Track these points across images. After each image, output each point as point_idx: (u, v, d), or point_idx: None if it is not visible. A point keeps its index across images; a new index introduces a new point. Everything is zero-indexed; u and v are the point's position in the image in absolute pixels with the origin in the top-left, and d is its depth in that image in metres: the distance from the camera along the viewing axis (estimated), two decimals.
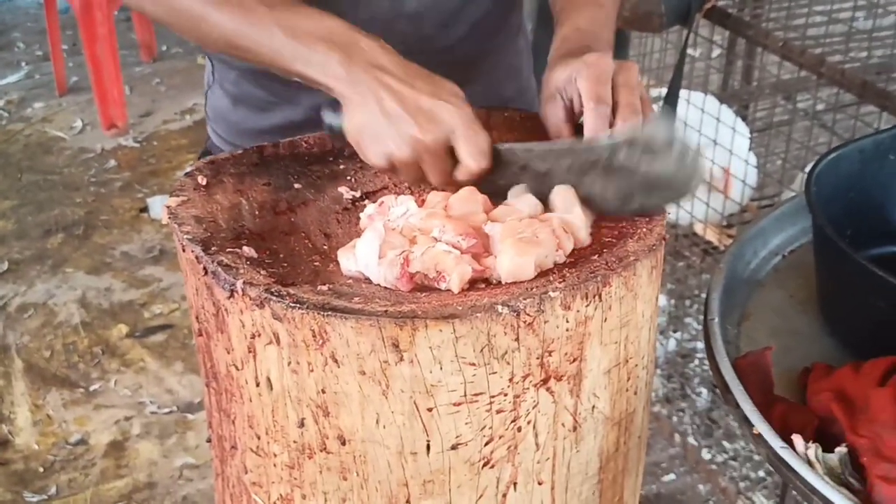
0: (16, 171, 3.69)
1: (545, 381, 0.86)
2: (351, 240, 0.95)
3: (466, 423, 0.86)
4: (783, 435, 0.94)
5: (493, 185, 0.98)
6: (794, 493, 1.17)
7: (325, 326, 0.81)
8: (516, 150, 0.98)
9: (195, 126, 3.98)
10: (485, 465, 0.88)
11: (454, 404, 0.84)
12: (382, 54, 0.94)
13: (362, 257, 0.91)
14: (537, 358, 0.85)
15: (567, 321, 0.85)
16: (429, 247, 0.90)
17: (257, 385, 0.89)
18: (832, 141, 2.25)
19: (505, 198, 0.99)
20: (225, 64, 1.27)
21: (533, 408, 0.87)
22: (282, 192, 1.04)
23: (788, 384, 1.07)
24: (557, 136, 1.02)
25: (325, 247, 0.98)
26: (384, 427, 0.85)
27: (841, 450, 0.94)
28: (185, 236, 0.92)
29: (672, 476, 2.25)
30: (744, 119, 2.55)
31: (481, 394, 0.85)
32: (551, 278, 0.87)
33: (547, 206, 0.97)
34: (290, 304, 0.82)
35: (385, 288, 0.90)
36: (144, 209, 3.40)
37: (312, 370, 0.84)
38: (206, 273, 0.88)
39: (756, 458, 2.22)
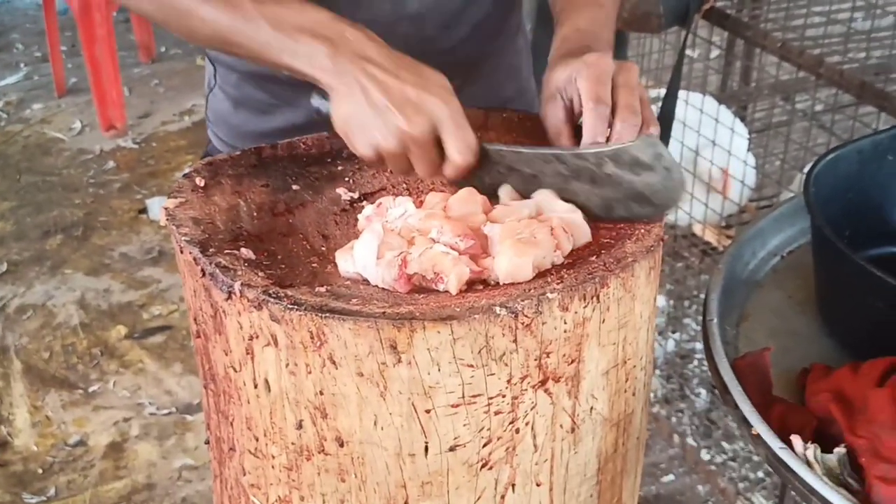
0: (14, 172, 3.69)
1: (543, 382, 0.86)
2: (349, 241, 0.95)
3: (464, 425, 0.85)
4: (782, 435, 0.94)
5: (481, 182, 0.99)
6: (792, 493, 1.17)
7: (323, 328, 0.81)
8: (504, 152, 0.98)
9: (194, 127, 3.98)
10: (483, 466, 0.88)
11: (452, 406, 0.84)
12: (369, 45, 0.94)
13: (360, 259, 0.91)
14: (535, 359, 0.85)
15: (565, 322, 0.85)
16: (427, 248, 0.90)
17: (255, 387, 0.89)
18: (831, 141, 2.25)
19: (493, 195, 0.99)
20: (226, 67, 1.27)
21: (531, 409, 0.87)
22: (280, 193, 1.04)
23: (787, 385, 1.07)
24: (557, 136, 1.02)
25: (324, 248, 0.98)
26: (382, 429, 0.85)
27: (840, 450, 0.94)
28: (183, 238, 0.92)
29: (671, 477, 2.25)
30: (742, 120, 2.55)
31: (479, 395, 0.84)
32: (549, 279, 0.87)
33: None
34: (288, 306, 0.82)
35: (383, 289, 0.89)
36: (143, 210, 3.40)
37: (310, 372, 0.84)
38: (203, 275, 0.88)
39: (755, 458, 2.22)
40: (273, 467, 0.93)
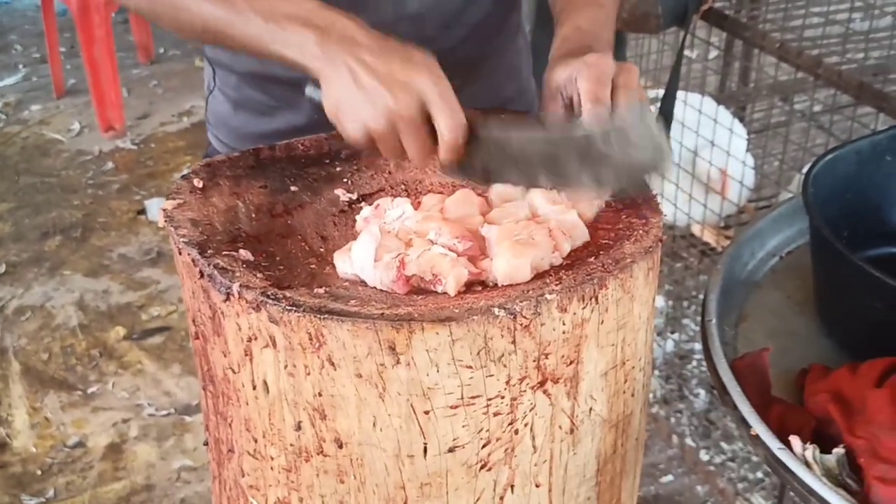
0: (13, 173, 3.69)
1: (542, 383, 0.86)
2: (347, 242, 0.95)
3: (463, 426, 0.85)
4: (781, 436, 0.94)
5: (471, 167, 0.97)
6: (791, 494, 1.17)
7: (322, 329, 0.81)
8: (492, 129, 0.97)
9: (193, 128, 3.97)
10: (482, 467, 0.88)
11: (451, 407, 0.84)
12: (357, 31, 0.95)
13: (358, 260, 0.91)
14: (534, 360, 0.85)
15: (563, 324, 0.85)
16: (425, 249, 0.90)
17: (254, 388, 0.89)
18: (829, 142, 2.25)
19: (485, 184, 0.99)
20: (225, 69, 1.27)
21: (530, 410, 0.87)
22: (278, 194, 1.04)
23: (786, 385, 1.07)
24: None
25: (322, 249, 0.98)
26: (381, 430, 0.85)
27: (838, 451, 0.94)
28: (182, 239, 0.91)
29: (670, 477, 2.25)
30: (741, 120, 2.55)
31: (478, 396, 0.84)
32: (548, 280, 0.87)
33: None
34: (287, 308, 0.82)
35: (381, 291, 0.89)
36: (142, 211, 3.40)
37: (309, 373, 0.84)
38: (202, 276, 0.88)
39: (754, 459, 2.22)
40: (272, 468, 0.93)
